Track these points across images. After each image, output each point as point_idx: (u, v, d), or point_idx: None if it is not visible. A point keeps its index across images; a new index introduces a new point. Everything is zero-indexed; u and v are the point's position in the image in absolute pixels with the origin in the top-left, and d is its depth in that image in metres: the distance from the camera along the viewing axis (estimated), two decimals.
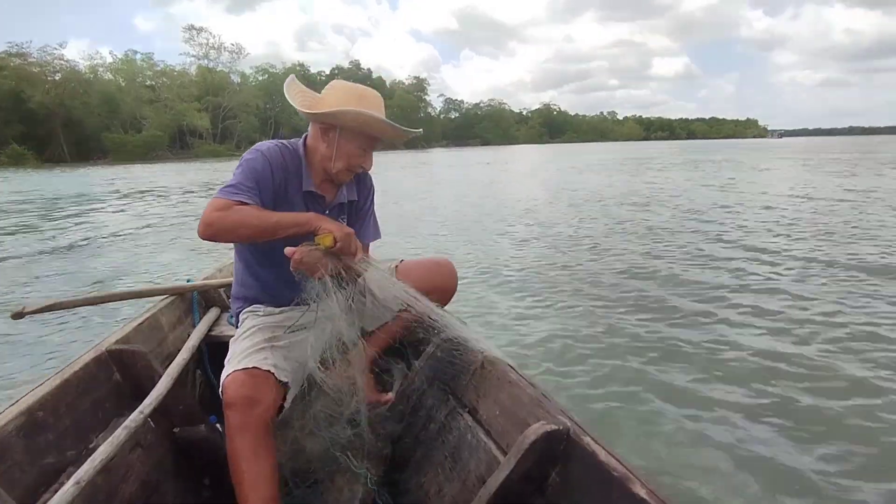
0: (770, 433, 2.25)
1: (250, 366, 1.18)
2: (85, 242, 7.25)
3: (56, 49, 53.75)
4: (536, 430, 0.96)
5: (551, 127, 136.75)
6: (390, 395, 1.51)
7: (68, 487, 0.85)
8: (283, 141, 1.41)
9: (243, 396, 1.13)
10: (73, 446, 1.04)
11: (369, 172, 1.50)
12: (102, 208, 11.72)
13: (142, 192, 15.77)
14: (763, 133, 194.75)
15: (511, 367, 1.25)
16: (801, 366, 2.84)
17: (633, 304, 3.97)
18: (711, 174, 17.28)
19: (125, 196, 14.49)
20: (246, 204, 1.21)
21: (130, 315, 1.62)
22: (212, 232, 1.18)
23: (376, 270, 1.29)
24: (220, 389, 1.17)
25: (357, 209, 1.53)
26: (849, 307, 3.72)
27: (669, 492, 0.82)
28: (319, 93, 1.39)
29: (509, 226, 7.83)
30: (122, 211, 11.10)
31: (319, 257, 1.19)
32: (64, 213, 10.76)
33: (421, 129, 1.45)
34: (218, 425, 1.36)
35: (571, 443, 0.96)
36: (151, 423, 1.25)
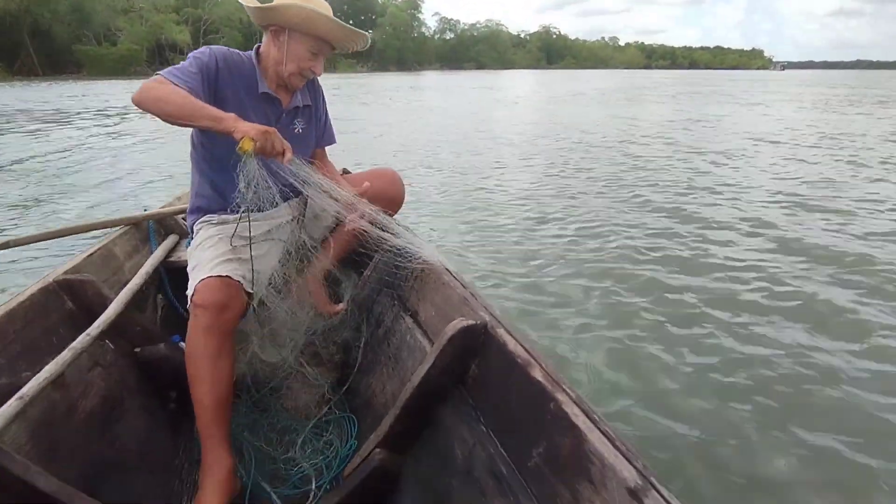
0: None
1: (223, 274, 1.22)
2: (28, 171, 6.57)
3: None
4: (455, 325, 1.02)
5: (550, 51, 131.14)
6: (342, 306, 1.57)
7: (12, 402, 0.88)
8: (236, 50, 1.43)
9: (216, 301, 1.18)
10: (27, 369, 1.05)
11: (318, 78, 1.53)
12: (61, 130, 10.78)
13: (104, 112, 14.80)
14: (767, 64, 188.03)
15: (448, 269, 1.30)
16: (735, 269, 3.00)
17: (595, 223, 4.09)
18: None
19: (87, 117, 13.53)
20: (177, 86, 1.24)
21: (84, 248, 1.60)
22: (140, 98, 1.21)
23: (317, 174, 1.30)
24: (191, 293, 1.21)
25: (312, 114, 1.56)
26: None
27: (566, 375, 0.88)
28: None
29: (485, 153, 7.74)
30: (92, 136, 10.16)
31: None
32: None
33: (370, 31, 1.44)
34: (181, 344, 1.40)
35: (489, 336, 1.02)
36: (110, 344, 1.28)
